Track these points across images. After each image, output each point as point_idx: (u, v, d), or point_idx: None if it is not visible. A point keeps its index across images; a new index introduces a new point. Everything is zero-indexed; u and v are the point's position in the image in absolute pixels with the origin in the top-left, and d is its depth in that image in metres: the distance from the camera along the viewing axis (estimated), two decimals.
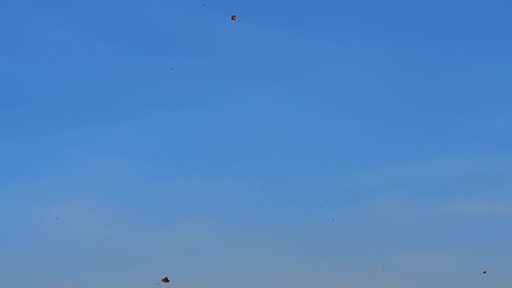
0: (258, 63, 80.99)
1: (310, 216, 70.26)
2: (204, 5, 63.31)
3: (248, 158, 75.52)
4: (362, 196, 72.51)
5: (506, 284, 61.47)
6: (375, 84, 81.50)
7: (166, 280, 45.62)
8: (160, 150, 75.73)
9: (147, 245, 66.36)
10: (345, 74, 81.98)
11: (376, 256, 65.86)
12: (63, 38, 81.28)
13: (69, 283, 62.63)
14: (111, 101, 78.99)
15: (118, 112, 78.29)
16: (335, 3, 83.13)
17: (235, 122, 78.29)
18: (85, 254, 65.47)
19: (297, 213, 70.79)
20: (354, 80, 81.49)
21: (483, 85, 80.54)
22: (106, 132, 76.26)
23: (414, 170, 74.84)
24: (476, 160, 75.45)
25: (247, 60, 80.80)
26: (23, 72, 79.87)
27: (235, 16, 55.96)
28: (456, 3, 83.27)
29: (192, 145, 76.50)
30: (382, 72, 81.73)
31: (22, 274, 63.07)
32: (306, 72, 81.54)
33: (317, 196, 72.52)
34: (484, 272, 58.43)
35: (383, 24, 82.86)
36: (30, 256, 64.76)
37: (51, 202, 69.61)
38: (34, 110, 77.54)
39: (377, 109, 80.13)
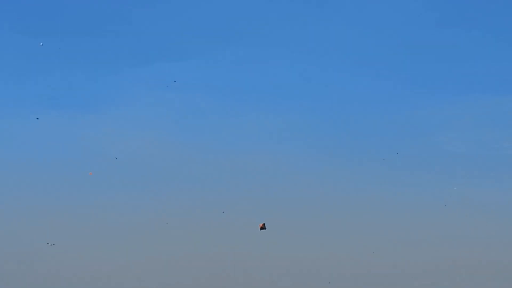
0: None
1: (374, 150, 69.74)
2: None
3: (305, 96, 75.45)
4: (426, 131, 71.59)
5: None
6: (439, 15, 79.80)
7: (263, 226, 46.64)
8: (220, 85, 76.03)
9: (208, 176, 66.72)
10: (396, 7, 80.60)
11: (438, 192, 65.16)
12: None
13: (141, 211, 63.32)
14: (172, 39, 79.38)
15: (179, 50, 78.69)
16: None
17: (293, 61, 78.09)
18: (152, 183, 66.08)
19: (361, 148, 70.33)
20: (411, 11, 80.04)
21: None
22: (169, 69, 76.69)
23: (483, 105, 73.32)
24: None
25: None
26: (94, 10, 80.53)
27: None
28: None
29: (253, 83, 76.61)
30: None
31: (90, 203, 63.91)
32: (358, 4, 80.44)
33: (382, 131, 71.85)
34: None
35: None
36: (99, 185, 65.38)
37: (117, 136, 70.38)
38: (103, 46, 78.29)
39: (442, 40, 78.59)
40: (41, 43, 66.73)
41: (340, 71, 78.41)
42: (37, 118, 65.29)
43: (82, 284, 56.51)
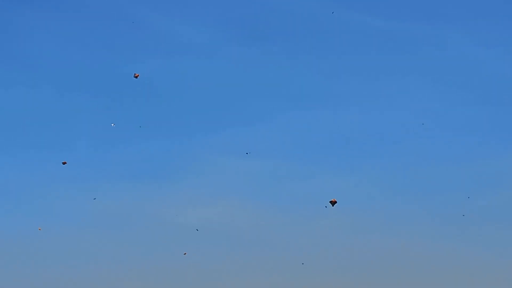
0: (390, 56, 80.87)
1: (450, 205, 69.23)
2: None
3: (380, 153, 75.33)
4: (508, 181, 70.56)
5: None
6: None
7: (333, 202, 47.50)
8: (294, 148, 76.55)
9: (288, 240, 67.14)
10: (480, 59, 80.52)
11: None
12: (199, 42, 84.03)
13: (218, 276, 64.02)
14: (244, 104, 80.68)
15: (251, 114, 79.92)
16: None
17: (366, 118, 78.40)
18: (231, 250, 66.79)
19: (436, 203, 69.94)
20: (488, 67, 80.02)
21: None
22: (242, 134, 77.74)
23: None
24: None
25: (376, 55, 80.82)
26: (164, 77, 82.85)
27: (137, 74, 58.20)
28: None
29: (326, 143, 76.97)
30: None
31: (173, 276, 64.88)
32: (436, 61, 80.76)
33: (458, 184, 71.31)
34: None
35: None
36: (177, 257, 66.17)
37: (194, 205, 71.48)
38: (174, 114, 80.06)
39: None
40: (113, 124, 68.58)
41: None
42: (94, 199, 66.72)
43: None
